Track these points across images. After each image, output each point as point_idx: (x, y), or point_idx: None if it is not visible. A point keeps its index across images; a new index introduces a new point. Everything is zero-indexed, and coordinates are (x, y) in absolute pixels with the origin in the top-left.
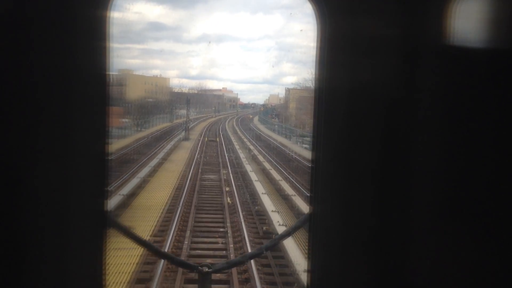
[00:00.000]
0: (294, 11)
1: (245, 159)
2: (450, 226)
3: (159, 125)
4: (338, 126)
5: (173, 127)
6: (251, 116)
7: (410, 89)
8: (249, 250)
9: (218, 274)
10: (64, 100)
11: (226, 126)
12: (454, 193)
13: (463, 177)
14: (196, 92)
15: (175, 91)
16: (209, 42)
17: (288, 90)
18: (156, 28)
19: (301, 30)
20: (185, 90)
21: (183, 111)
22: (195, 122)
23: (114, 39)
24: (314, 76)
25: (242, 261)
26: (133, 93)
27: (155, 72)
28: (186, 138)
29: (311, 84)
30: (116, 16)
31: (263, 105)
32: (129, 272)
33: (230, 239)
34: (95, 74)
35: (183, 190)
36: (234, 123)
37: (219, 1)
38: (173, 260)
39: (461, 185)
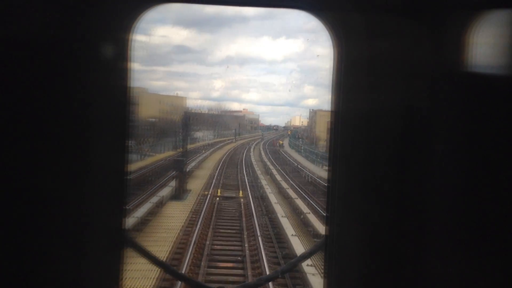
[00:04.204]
0: (316, 36)
1: None
2: (475, 247)
3: (156, 154)
4: (355, 147)
5: (172, 161)
6: (281, 142)
7: (426, 112)
8: None
9: None
10: (86, 119)
11: (252, 158)
12: (476, 213)
13: (485, 198)
14: (214, 113)
15: (193, 111)
16: (227, 67)
17: (313, 112)
18: (181, 51)
19: (318, 56)
20: (204, 111)
21: (199, 134)
22: (207, 152)
23: (140, 61)
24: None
25: (258, 284)
26: (145, 113)
27: (179, 94)
28: (178, 195)
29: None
30: (143, 39)
31: (285, 127)
32: None
33: None
34: (117, 94)
35: None
36: (262, 152)
37: (243, 25)
38: (190, 282)
39: (483, 206)
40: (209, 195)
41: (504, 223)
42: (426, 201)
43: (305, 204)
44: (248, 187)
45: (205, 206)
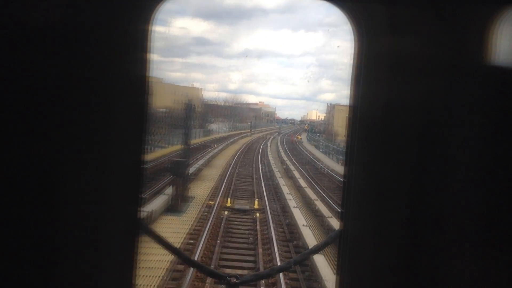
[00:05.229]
0: (336, 29)
1: None
2: (488, 249)
3: (163, 147)
4: (373, 143)
5: (170, 162)
6: (299, 137)
7: (447, 109)
8: None
9: None
10: (104, 109)
11: (270, 156)
12: (493, 215)
13: (503, 199)
14: (230, 104)
15: (208, 103)
16: (246, 56)
17: (331, 106)
18: (199, 43)
19: (338, 46)
20: (220, 103)
21: (214, 126)
22: (220, 146)
23: (159, 53)
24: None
25: (270, 274)
26: (160, 103)
27: (196, 85)
28: (175, 207)
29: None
30: (163, 30)
31: (302, 121)
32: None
33: None
34: (135, 84)
35: None
36: (280, 148)
37: (262, 18)
38: (202, 269)
39: (501, 208)
40: (215, 207)
41: None
42: (443, 199)
43: None
44: (265, 194)
45: (208, 225)
